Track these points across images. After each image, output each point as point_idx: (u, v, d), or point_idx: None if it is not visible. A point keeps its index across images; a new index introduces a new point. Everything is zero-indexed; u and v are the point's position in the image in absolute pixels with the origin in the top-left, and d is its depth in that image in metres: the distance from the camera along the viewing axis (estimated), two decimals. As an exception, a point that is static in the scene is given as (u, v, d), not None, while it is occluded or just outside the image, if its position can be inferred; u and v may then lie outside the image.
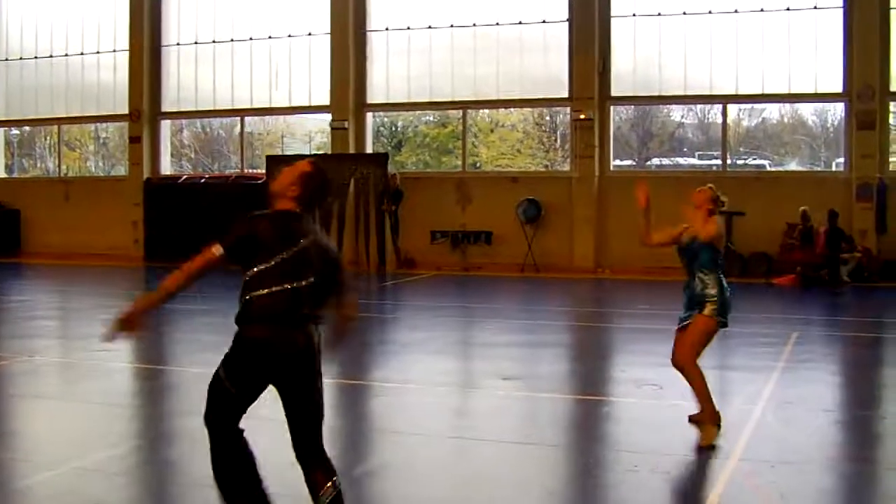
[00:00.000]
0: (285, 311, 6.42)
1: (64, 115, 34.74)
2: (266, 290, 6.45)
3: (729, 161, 27.56)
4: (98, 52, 33.71)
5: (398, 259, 28.14)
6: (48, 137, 36.98)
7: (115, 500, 7.95)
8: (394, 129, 33.01)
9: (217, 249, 6.67)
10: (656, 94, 27.76)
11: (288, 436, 9.79)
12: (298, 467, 8.54)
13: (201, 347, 15.36)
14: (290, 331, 6.43)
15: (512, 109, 30.65)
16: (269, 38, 31.28)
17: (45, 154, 37.52)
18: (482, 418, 10.70)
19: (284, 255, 6.54)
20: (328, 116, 30.52)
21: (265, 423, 10.44)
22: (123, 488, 8.26)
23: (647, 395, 11.35)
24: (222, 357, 6.58)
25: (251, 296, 6.47)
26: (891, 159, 26.12)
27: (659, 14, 27.17)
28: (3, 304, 22.30)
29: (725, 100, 27.18)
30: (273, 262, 6.50)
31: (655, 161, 29.77)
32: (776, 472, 8.24)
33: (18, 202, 34.07)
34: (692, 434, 9.63)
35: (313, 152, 32.21)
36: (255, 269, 6.53)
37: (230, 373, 6.60)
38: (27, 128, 37.36)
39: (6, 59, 35.40)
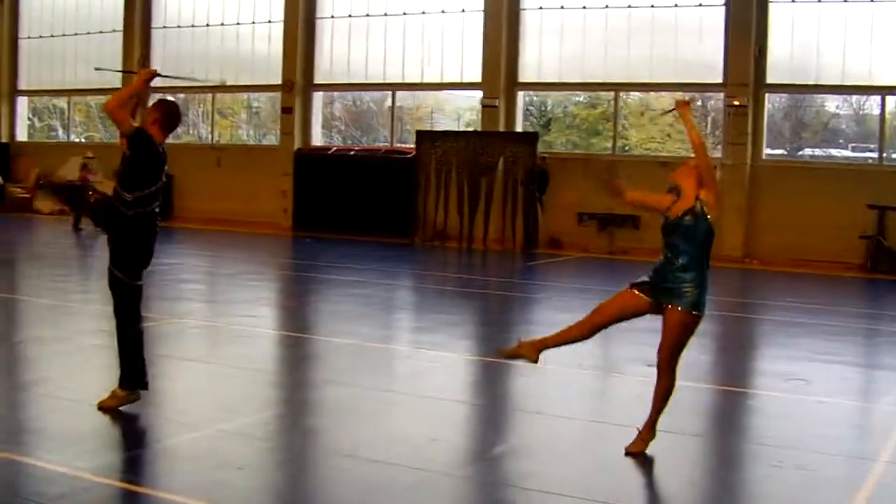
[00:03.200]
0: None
1: (218, 84, 35.24)
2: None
3: (885, 154, 26.92)
4: (254, 23, 34.16)
5: (530, 241, 28.11)
6: (202, 105, 37.57)
7: (257, 465, 8.05)
8: (543, 108, 32.89)
9: None
10: (812, 82, 27.17)
11: (427, 411, 9.85)
12: (437, 443, 8.58)
13: (345, 318, 15.49)
14: None
15: (663, 93, 30.32)
16: (423, 13, 31.35)
17: (198, 121, 38.12)
18: (624, 403, 10.61)
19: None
20: (479, 94, 30.52)
21: (401, 397, 10.51)
22: (265, 454, 8.37)
23: (794, 389, 11.14)
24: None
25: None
26: None
27: (819, 0, 26.58)
28: (155, 267, 22.67)
29: (885, 91, 26.50)
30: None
31: (808, 151, 29.19)
32: (927, 477, 8.04)
33: (171, 167, 34.22)
34: (839, 431, 9.45)
35: (462, 129, 32.26)
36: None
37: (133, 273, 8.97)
38: (182, 95, 37.97)
39: (164, 27, 36.05)
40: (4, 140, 39.54)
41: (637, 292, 8.62)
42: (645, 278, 8.55)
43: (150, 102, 9.32)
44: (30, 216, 34.96)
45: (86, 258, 23.87)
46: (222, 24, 34.75)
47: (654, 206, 8.79)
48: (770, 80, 27.21)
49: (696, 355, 13.74)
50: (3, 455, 7.69)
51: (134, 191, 8.72)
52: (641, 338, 14.77)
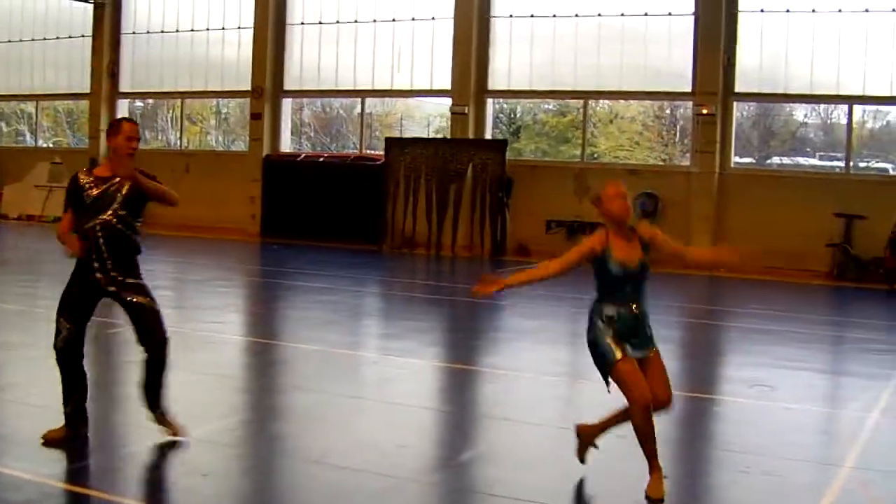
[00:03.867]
0: None
1: (187, 90, 35.18)
2: None
3: (852, 163, 27.04)
4: (223, 29, 34.09)
5: (498, 248, 28.18)
6: (171, 111, 37.49)
7: (223, 471, 8.04)
8: (512, 115, 32.94)
9: None
10: (781, 91, 27.28)
11: (395, 418, 9.86)
12: (405, 449, 8.59)
13: (313, 324, 15.47)
14: None
15: (632, 101, 30.39)
16: (393, 20, 31.34)
17: (167, 127, 38.04)
18: (592, 410, 10.56)
19: None
20: (448, 101, 30.53)
21: (369, 403, 10.51)
22: (232, 460, 8.36)
23: (759, 395, 11.18)
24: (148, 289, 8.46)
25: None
26: None
27: (787, 11, 26.68)
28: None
29: (851, 100, 26.62)
30: None
31: (776, 160, 29.30)
32: (892, 483, 8.07)
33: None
34: (805, 437, 9.51)
35: (432, 136, 32.29)
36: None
37: None
38: (150, 100, 37.90)
39: (133, 33, 35.93)
40: (-28, 145, 39.37)
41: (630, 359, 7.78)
42: (626, 347, 7.80)
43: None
44: (-3, 222, 34.81)
45: (53, 263, 23.73)
46: (192, 30, 34.64)
47: (579, 259, 7.95)
48: (739, 88, 27.28)
49: (663, 362, 13.77)
50: (-32, 461, 7.67)
51: (142, 221, 8.69)
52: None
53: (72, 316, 8.48)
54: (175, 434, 8.48)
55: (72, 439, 8.42)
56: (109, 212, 8.40)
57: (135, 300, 8.47)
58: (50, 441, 8.37)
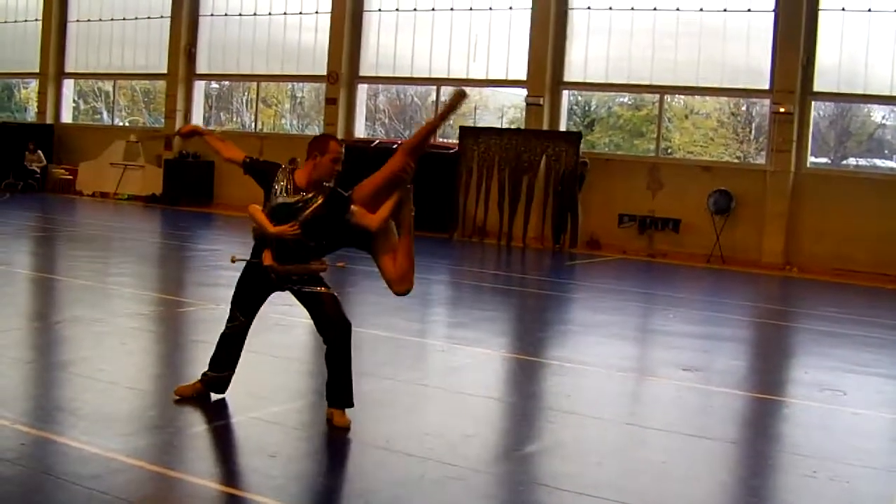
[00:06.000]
0: None
1: (263, 73, 35.42)
2: None
3: (930, 166, 26.72)
4: (301, 13, 34.25)
5: (569, 240, 28.06)
6: (246, 93, 37.70)
7: (289, 453, 8.06)
8: (587, 108, 32.82)
9: None
10: (860, 92, 26.97)
11: (461, 407, 9.86)
12: (471, 439, 8.58)
13: (381, 311, 15.46)
14: None
15: (707, 97, 30.16)
16: (470, 9, 31.32)
17: (241, 109, 38.27)
18: (658, 407, 10.56)
19: None
20: (524, 91, 30.47)
21: (436, 391, 10.51)
22: (299, 442, 8.38)
23: (829, 399, 11.05)
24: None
25: None
26: None
27: (869, 10, 26.35)
28: (194, 253, 22.86)
29: (932, 103, 26.30)
30: None
31: (852, 161, 28.99)
32: (965, 493, 7.96)
33: (214, 154, 34.49)
34: (875, 444, 9.39)
35: (506, 126, 32.24)
36: None
37: None
38: (226, 82, 38.14)
39: (211, 15, 36.18)
40: (49, 122, 39.75)
41: None
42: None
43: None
44: (72, 197, 35.21)
45: (125, 241, 23.99)
46: (269, 14, 34.85)
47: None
48: (817, 88, 27.01)
49: (732, 362, 13.67)
50: (37, 433, 7.75)
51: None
52: (677, 342, 14.75)
53: (244, 308, 8.96)
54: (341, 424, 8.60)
55: (200, 398, 9.00)
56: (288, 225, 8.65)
57: (309, 290, 8.86)
58: (181, 395, 8.97)
